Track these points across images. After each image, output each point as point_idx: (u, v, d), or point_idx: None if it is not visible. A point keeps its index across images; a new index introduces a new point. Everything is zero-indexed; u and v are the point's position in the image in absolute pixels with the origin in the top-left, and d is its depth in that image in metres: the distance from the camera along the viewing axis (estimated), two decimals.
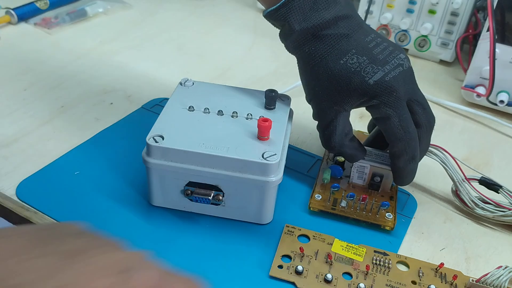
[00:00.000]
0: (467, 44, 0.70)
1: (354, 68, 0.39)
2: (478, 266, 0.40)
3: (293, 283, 0.37)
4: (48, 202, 0.42)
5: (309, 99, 0.42)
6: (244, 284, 0.37)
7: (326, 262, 0.38)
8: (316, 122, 0.43)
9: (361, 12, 0.71)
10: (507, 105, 0.57)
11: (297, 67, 0.43)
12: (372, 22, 0.71)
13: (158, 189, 0.41)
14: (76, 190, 0.43)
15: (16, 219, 0.42)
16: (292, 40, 0.40)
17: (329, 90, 0.40)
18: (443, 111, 0.60)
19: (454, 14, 0.65)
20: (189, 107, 0.42)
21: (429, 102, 0.43)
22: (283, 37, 0.41)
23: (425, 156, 0.43)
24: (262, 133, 0.39)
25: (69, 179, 0.44)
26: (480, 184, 0.45)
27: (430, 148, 0.44)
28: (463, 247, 0.42)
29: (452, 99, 0.62)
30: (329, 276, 0.37)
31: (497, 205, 0.43)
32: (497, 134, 0.57)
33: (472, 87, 0.59)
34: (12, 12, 0.69)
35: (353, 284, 0.37)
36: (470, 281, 0.37)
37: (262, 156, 0.38)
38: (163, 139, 0.39)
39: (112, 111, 0.53)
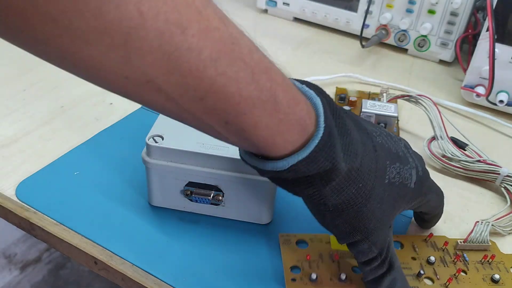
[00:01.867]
0: (467, 44, 0.70)
1: (398, 182, 0.33)
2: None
3: None
4: (47, 202, 0.42)
5: (360, 239, 0.33)
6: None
7: (334, 262, 0.39)
8: None
9: (360, 12, 0.71)
10: (506, 105, 0.57)
11: (310, 202, 0.32)
12: (372, 22, 0.71)
13: (157, 189, 0.41)
14: (76, 190, 0.43)
15: (16, 219, 0.42)
16: (335, 185, 0.30)
17: (384, 216, 0.33)
18: (442, 111, 0.60)
19: (454, 14, 0.65)
20: None
21: None
22: (318, 185, 0.30)
23: (414, 105, 0.51)
24: None
25: (69, 180, 0.44)
26: (452, 142, 0.50)
27: (421, 98, 0.51)
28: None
29: (452, 99, 0.62)
30: (342, 276, 0.37)
31: (466, 155, 0.48)
32: (497, 134, 0.57)
33: (471, 87, 0.59)
34: None
35: None
36: (459, 243, 0.41)
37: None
38: (162, 139, 0.39)
39: (112, 111, 0.53)
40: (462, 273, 0.39)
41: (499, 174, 0.46)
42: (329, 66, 0.67)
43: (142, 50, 0.22)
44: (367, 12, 0.68)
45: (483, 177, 0.48)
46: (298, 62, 0.67)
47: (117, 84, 0.24)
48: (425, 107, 0.51)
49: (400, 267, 0.35)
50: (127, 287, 0.38)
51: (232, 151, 0.38)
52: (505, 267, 0.40)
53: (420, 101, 0.51)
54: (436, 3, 0.65)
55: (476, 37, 0.66)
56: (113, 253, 0.38)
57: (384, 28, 0.70)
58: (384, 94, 0.55)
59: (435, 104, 0.51)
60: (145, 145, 0.39)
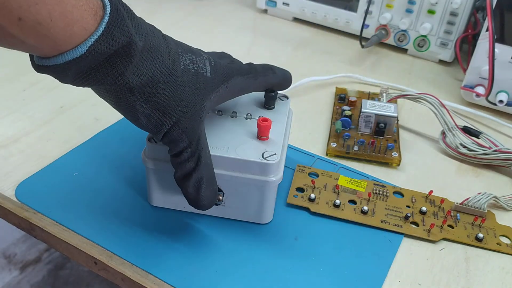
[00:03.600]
0: (466, 44, 0.70)
1: (194, 69, 0.35)
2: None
3: (307, 208, 0.43)
4: (47, 202, 0.42)
5: (171, 126, 0.34)
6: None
7: (334, 192, 0.44)
8: None
9: (360, 12, 0.71)
10: (506, 105, 0.57)
11: (119, 99, 0.33)
12: (371, 22, 0.71)
13: (157, 190, 0.41)
14: (75, 190, 0.43)
15: (16, 219, 0.42)
16: (135, 63, 0.31)
17: (191, 103, 0.35)
18: None
19: (453, 14, 0.65)
20: None
21: None
22: (119, 66, 0.31)
23: (418, 103, 0.52)
24: (262, 133, 0.39)
25: (69, 180, 0.44)
26: (464, 132, 0.51)
27: (425, 96, 0.51)
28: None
29: (452, 99, 0.62)
30: (337, 202, 0.43)
31: (479, 145, 0.50)
32: (497, 134, 0.57)
33: (471, 87, 0.59)
34: None
35: (358, 208, 0.43)
36: (456, 203, 0.44)
37: (262, 156, 0.38)
38: None
39: (112, 111, 0.53)
40: (448, 227, 0.42)
41: None
42: (329, 66, 0.67)
43: None
44: (366, 12, 0.68)
45: (498, 164, 0.50)
46: (297, 62, 0.67)
47: None
48: (430, 103, 0.51)
49: (210, 166, 0.37)
50: (127, 287, 0.38)
51: (231, 151, 0.38)
52: (494, 233, 0.42)
53: (422, 99, 0.52)
54: (436, 3, 0.66)
55: (475, 37, 0.66)
56: (113, 253, 0.38)
57: (383, 28, 0.70)
58: (384, 94, 0.55)
59: (438, 99, 0.51)
60: (145, 145, 0.39)
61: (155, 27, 0.34)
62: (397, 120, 0.54)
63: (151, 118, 0.34)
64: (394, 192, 0.45)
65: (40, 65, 0.30)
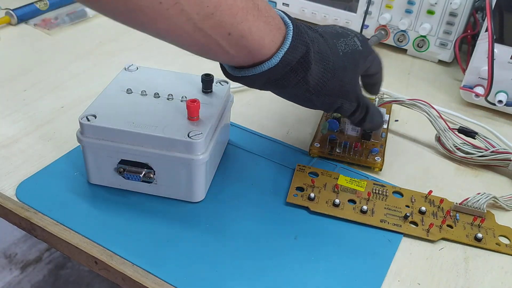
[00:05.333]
0: (466, 44, 0.70)
1: (350, 50, 0.41)
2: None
3: (307, 208, 0.43)
4: (48, 202, 0.42)
5: (342, 102, 0.42)
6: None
7: (334, 191, 0.45)
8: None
9: (360, 12, 0.71)
10: (505, 105, 0.57)
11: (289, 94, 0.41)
12: (371, 23, 0.71)
13: (93, 167, 0.42)
14: (76, 190, 0.43)
15: (16, 219, 0.42)
16: (312, 67, 0.38)
17: (352, 78, 0.41)
18: (441, 111, 0.60)
19: (453, 14, 0.66)
20: (127, 90, 0.44)
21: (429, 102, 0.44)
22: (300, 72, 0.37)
23: (411, 109, 0.52)
24: (191, 113, 0.41)
25: (69, 180, 0.44)
26: (459, 132, 0.51)
27: (415, 102, 0.51)
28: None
29: (451, 99, 0.62)
30: (337, 201, 0.43)
31: (475, 147, 0.50)
32: (497, 134, 0.57)
33: (470, 87, 0.59)
34: (12, 13, 0.69)
35: (357, 207, 0.43)
36: (455, 203, 0.44)
37: (188, 135, 0.39)
38: (95, 118, 0.40)
39: None
40: (448, 227, 0.43)
41: (511, 160, 0.48)
42: None
43: None
44: (366, 12, 0.68)
45: (495, 164, 0.50)
46: None
47: (152, 11, 0.30)
48: (421, 109, 0.51)
49: (374, 105, 0.46)
50: (127, 287, 0.38)
51: (159, 130, 0.39)
52: (493, 233, 0.43)
53: (413, 105, 0.51)
54: (435, 3, 0.66)
55: (475, 37, 0.66)
56: (114, 253, 0.38)
57: (383, 28, 0.71)
58: (377, 99, 0.54)
59: (429, 104, 0.51)
60: None
61: (310, 27, 0.40)
62: (387, 125, 0.54)
63: (324, 103, 0.41)
64: (394, 192, 0.46)
65: (235, 76, 0.37)
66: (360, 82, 0.45)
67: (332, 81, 0.39)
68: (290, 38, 0.36)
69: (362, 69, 0.43)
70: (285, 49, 0.35)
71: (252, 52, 0.35)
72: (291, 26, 0.36)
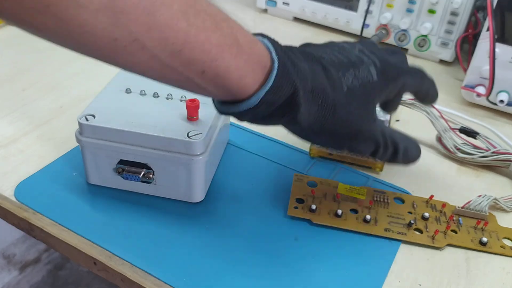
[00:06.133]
0: (467, 43, 0.70)
1: (359, 83, 0.36)
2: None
3: (309, 220, 0.42)
4: (46, 203, 0.41)
5: (350, 142, 0.37)
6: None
7: (335, 201, 0.44)
8: None
9: (360, 12, 0.71)
10: (507, 104, 0.57)
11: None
12: (372, 22, 0.71)
13: (92, 167, 0.42)
14: (74, 191, 0.43)
15: (15, 220, 0.42)
16: (303, 107, 0.34)
17: (363, 115, 0.37)
18: (442, 111, 0.60)
19: (454, 13, 0.65)
20: (126, 89, 0.44)
21: None
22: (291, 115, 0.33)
23: (411, 109, 0.51)
24: (190, 113, 0.41)
25: (68, 180, 0.44)
26: (461, 132, 0.51)
27: (416, 101, 0.49)
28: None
29: (452, 99, 0.62)
30: (339, 211, 0.42)
31: (476, 147, 0.50)
32: (497, 133, 0.57)
33: (472, 87, 0.59)
34: None
35: (360, 217, 0.42)
36: (457, 207, 0.44)
37: (187, 135, 0.39)
38: (94, 118, 0.40)
39: None
40: (452, 232, 0.42)
41: (511, 161, 0.48)
42: None
43: (126, 8, 0.26)
44: (367, 11, 0.68)
45: (496, 164, 0.50)
46: None
47: (107, 48, 0.27)
48: (421, 108, 0.51)
49: (404, 136, 0.41)
50: None
51: (158, 130, 0.39)
52: (497, 236, 0.42)
53: (414, 105, 0.51)
54: (436, 2, 0.65)
55: (476, 36, 0.66)
56: (113, 253, 0.38)
57: (384, 28, 0.70)
58: None
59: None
60: None
61: (313, 56, 0.35)
62: (389, 124, 0.54)
63: (328, 143, 0.38)
64: (395, 198, 0.45)
65: (221, 111, 0.34)
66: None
67: (332, 120, 0.35)
68: (273, 77, 0.31)
69: (379, 101, 0.38)
70: (266, 90, 0.31)
71: (231, 91, 0.32)
72: (277, 64, 0.32)
